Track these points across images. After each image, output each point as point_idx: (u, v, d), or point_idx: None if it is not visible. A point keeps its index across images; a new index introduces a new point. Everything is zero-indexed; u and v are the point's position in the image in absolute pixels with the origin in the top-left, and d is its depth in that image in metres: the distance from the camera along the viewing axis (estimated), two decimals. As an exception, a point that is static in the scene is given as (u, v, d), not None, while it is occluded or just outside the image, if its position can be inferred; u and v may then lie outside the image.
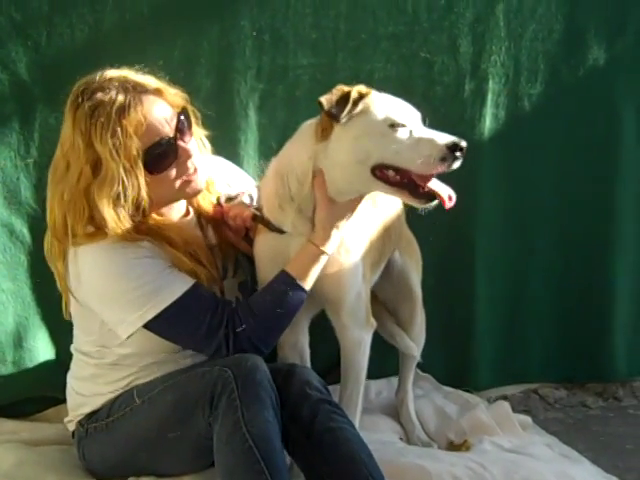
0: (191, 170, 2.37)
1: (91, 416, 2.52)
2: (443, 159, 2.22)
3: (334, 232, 2.39)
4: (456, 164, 2.23)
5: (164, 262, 2.35)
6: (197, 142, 2.48)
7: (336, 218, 2.39)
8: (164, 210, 2.47)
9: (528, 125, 3.48)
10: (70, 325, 2.58)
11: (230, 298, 2.49)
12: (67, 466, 2.61)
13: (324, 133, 2.33)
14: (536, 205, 3.57)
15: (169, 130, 2.31)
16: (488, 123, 3.39)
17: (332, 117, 2.29)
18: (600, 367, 3.76)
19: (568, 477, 2.69)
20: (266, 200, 2.47)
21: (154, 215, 2.41)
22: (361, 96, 2.32)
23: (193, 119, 2.46)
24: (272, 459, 2.09)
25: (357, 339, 2.60)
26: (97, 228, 2.29)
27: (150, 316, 2.30)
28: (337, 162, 2.32)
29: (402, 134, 2.27)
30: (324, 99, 2.30)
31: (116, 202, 2.26)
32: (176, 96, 2.40)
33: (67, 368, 2.65)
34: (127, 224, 2.29)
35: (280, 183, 2.41)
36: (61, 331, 2.70)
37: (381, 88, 3.21)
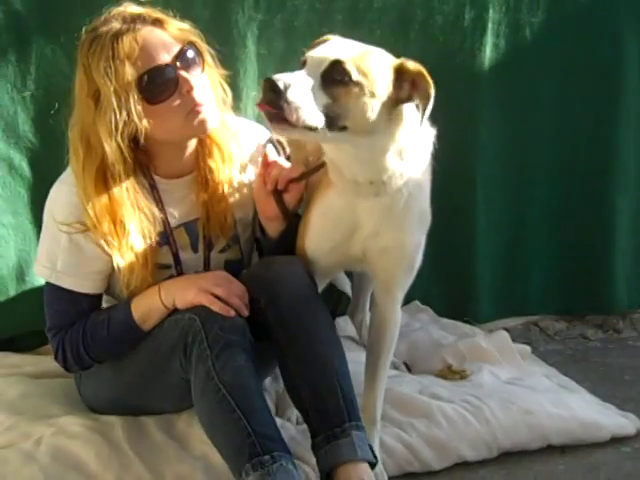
0: (199, 102, 2.25)
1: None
2: None
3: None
4: None
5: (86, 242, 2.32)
6: (214, 86, 2.38)
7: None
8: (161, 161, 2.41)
9: (529, 54, 3.43)
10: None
11: None
12: (70, 399, 2.65)
13: None
14: (537, 135, 3.54)
15: (167, 58, 2.22)
16: (488, 53, 3.35)
17: None
18: (600, 299, 3.78)
19: (565, 405, 2.72)
20: None
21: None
22: None
23: (208, 59, 2.35)
24: (248, 404, 2.08)
25: (399, 313, 2.54)
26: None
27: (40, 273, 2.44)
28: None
29: None
30: None
31: (114, 132, 2.19)
32: (183, 31, 2.30)
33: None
34: (128, 157, 2.25)
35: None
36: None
37: (380, 18, 3.19)
